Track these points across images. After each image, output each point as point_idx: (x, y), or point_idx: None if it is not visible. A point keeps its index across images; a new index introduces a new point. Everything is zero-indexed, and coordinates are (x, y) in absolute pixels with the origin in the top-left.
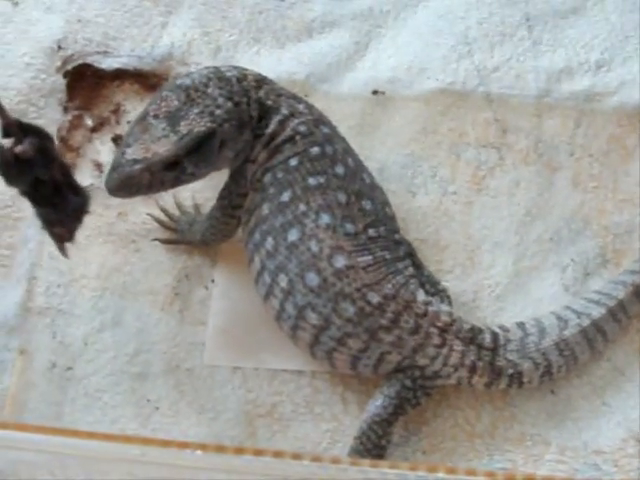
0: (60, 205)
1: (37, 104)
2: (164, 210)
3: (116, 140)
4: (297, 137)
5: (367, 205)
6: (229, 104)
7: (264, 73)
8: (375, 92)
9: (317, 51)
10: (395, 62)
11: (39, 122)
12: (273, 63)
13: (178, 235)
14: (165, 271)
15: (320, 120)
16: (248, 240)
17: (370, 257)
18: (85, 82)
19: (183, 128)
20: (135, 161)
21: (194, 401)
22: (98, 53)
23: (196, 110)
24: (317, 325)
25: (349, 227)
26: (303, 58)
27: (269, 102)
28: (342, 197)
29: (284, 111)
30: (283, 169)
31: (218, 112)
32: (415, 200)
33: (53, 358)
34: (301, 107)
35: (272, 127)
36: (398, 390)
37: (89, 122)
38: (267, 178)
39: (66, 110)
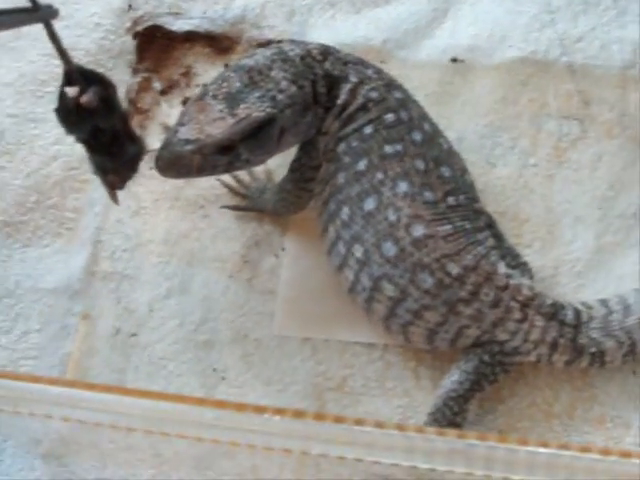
0: (117, 154)
1: (105, 65)
2: (234, 175)
3: (186, 103)
4: (369, 104)
5: (446, 172)
6: (293, 88)
7: (339, 38)
8: (454, 60)
9: (394, 17)
10: (475, 30)
11: None
12: (349, 28)
13: (248, 202)
14: (234, 238)
15: (391, 85)
16: (322, 210)
17: (450, 226)
18: (155, 44)
19: (241, 111)
20: (187, 141)
21: (261, 372)
22: (169, 14)
23: (257, 94)
24: (393, 297)
25: (428, 195)
26: (380, 24)
27: (336, 72)
28: (420, 164)
29: (353, 79)
30: (357, 137)
31: (280, 97)
32: (494, 171)
33: (117, 324)
34: (370, 72)
35: (342, 97)
36: (476, 365)
37: (158, 85)
38: (341, 147)
39: (135, 72)
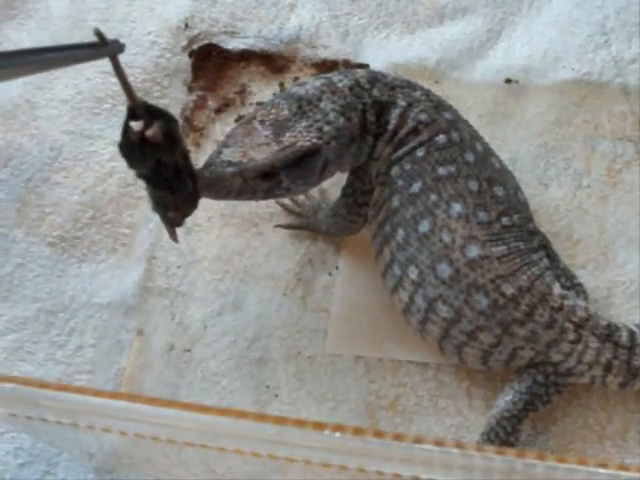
0: (178, 189)
1: (161, 83)
2: (286, 207)
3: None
4: (420, 127)
5: (499, 192)
6: (340, 120)
7: (393, 58)
8: (508, 81)
9: (448, 37)
10: (529, 51)
11: (163, 102)
12: (403, 48)
13: (302, 221)
14: (288, 256)
15: (441, 106)
16: (377, 233)
17: (504, 247)
18: (210, 62)
19: (287, 139)
20: (229, 163)
21: (314, 390)
22: (224, 33)
23: (304, 123)
24: (448, 318)
25: (482, 216)
26: (434, 44)
27: (384, 98)
28: (474, 185)
29: (401, 103)
30: (410, 160)
31: (327, 128)
32: (548, 192)
33: (171, 340)
34: (418, 94)
35: (393, 122)
36: (529, 386)
37: (213, 103)
38: (394, 171)
39: (190, 90)
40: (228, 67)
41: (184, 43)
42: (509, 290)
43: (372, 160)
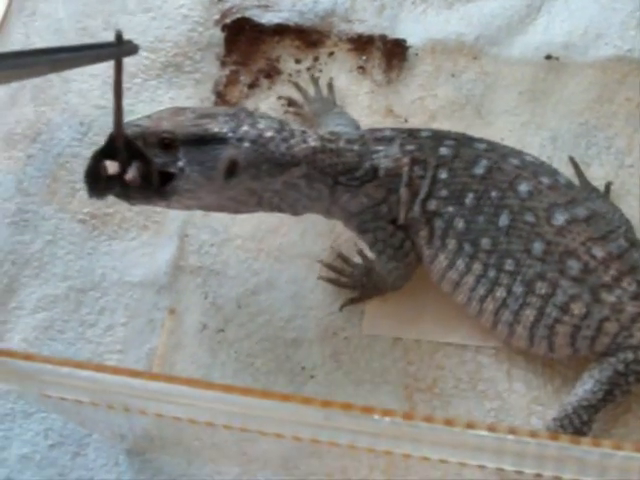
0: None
1: (193, 57)
2: (333, 268)
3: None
4: (416, 155)
5: (561, 179)
6: (269, 133)
7: (430, 34)
8: (548, 57)
9: (487, 13)
10: (569, 27)
11: (195, 76)
12: (440, 24)
13: (360, 292)
14: (323, 234)
15: (404, 133)
16: (453, 262)
17: (587, 211)
18: (243, 36)
19: (202, 121)
20: (136, 125)
21: (351, 371)
22: (258, 7)
23: (227, 118)
24: (544, 294)
25: (548, 181)
26: (472, 20)
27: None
28: (516, 161)
29: (376, 148)
30: (440, 187)
31: (246, 128)
32: (589, 171)
33: (204, 319)
34: (387, 133)
35: (383, 167)
36: (610, 375)
37: (246, 78)
38: (432, 205)
39: (223, 65)
40: (262, 41)
41: (217, 17)
42: (599, 253)
43: (375, 207)
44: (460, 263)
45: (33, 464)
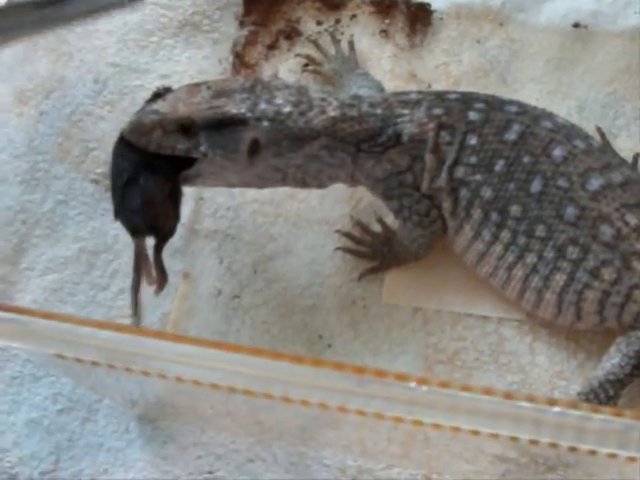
0: None
1: (211, 17)
2: (352, 237)
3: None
4: (443, 120)
5: (594, 142)
6: (287, 108)
7: None
8: (576, 25)
9: None
10: None
11: (213, 36)
12: None
13: (380, 262)
14: (342, 200)
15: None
16: (478, 232)
17: (621, 177)
18: None
19: (218, 102)
20: (154, 112)
21: (370, 340)
22: None
23: (245, 96)
24: (575, 259)
25: (582, 144)
26: None
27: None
28: (549, 124)
29: (402, 111)
30: (469, 153)
31: (264, 106)
32: (616, 142)
33: (219, 285)
34: (414, 97)
35: (407, 132)
36: (638, 349)
37: (265, 39)
38: (459, 172)
39: (242, 25)
40: (281, 2)
41: None
42: (633, 220)
43: (400, 174)
44: (486, 233)
45: (41, 429)
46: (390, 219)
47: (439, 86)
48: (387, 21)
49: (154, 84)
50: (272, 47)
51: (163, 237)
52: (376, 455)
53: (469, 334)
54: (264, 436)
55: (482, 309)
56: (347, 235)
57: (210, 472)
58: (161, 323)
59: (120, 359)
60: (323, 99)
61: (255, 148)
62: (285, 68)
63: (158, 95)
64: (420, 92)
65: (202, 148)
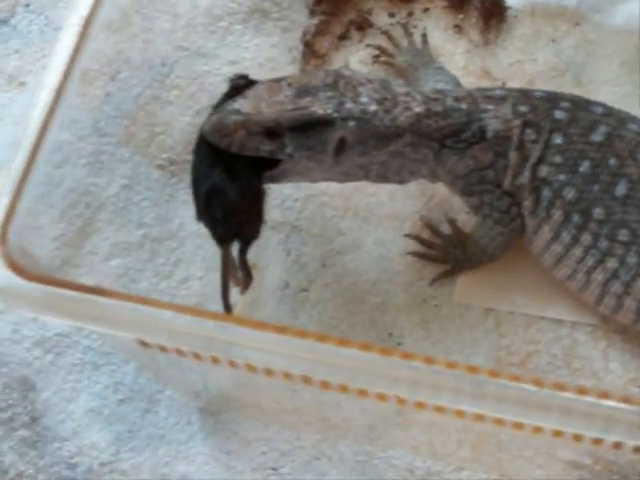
0: None
1: (281, 4)
2: (423, 241)
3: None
4: (529, 117)
5: None
6: (373, 106)
7: None
8: None
9: None
10: None
11: (282, 24)
12: None
13: (453, 265)
14: (413, 196)
15: (516, 93)
16: (558, 234)
17: None
18: None
19: (303, 102)
20: (237, 112)
21: (440, 341)
22: None
23: (330, 94)
24: None
25: None
26: None
27: (464, 106)
28: (635, 127)
29: (487, 107)
30: (555, 152)
31: (350, 106)
32: None
33: (286, 277)
34: (498, 93)
35: (492, 129)
36: None
37: (336, 29)
38: (543, 171)
39: (312, 13)
40: None
41: None
42: None
43: (482, 170)
44: (566, 235)
45: (101, 418)
46: (461, 220)
47: (513, 84)
48: (460, 16)
49: (222, 70)
50: (343, 37)
51: (248, 241)
52: (445, 457)
53: (542, 337)
54: (330, 433)
55: (556, 312)
56: (417, 238)
57: (274, 468)
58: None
59: (191, 345)
60: (407, 93)
61: (341, 147)
62: (356, 59)
63: (236, 88)
64: (504, 88)
65: (288, 150)
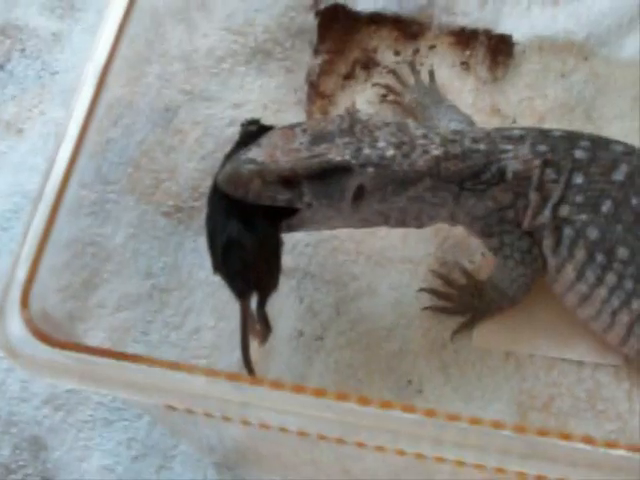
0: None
1: (284, 44)
2: (437, 293)
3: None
4: (548, 157)
5: None
6: (390, 151)
7: (536, 30)
8: None
9: (596, 11)
10: None
11: (285, 64)
12: (547, 21)
13: (470, 316)
14: (426, 239)
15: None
16: (581, 274)
17: None
18: (338, 24)
19: (319, 149)
20: (252, 162)
21: (461, 386)
22: None
23: (346, 140)
24: None
25: None
26: (581, 18)
27: (482, 147)
28: None
29: (505, 147)
30: (576, 192)
31: (368, 152)
32: None
33: (300, 325)
34: (517, 133)
35: (511, 170)
36: None
37: (341, 68)
38: (564, 211)
39: (316, 53)
40: (357, 30)
41: (309, 2)
42: None
43: (502, 211)
44: (590, 275)
45: (115, 476)
46: (474, 266)
47: (524, 121)
48: (467, 52)
49: (226, 113)
50: (348, 77)
51: (268, 292)
52: None
53: (564, 380)
54: None
55: (577, 354)
56: (433, 292)
57: None
58: (239, 365)
59: (202, 405)
60: (424, 135)
61: (360, 194)
62: (362, 99)
63: (247, 134)
64: (522, 128)
65: (306, 198)
